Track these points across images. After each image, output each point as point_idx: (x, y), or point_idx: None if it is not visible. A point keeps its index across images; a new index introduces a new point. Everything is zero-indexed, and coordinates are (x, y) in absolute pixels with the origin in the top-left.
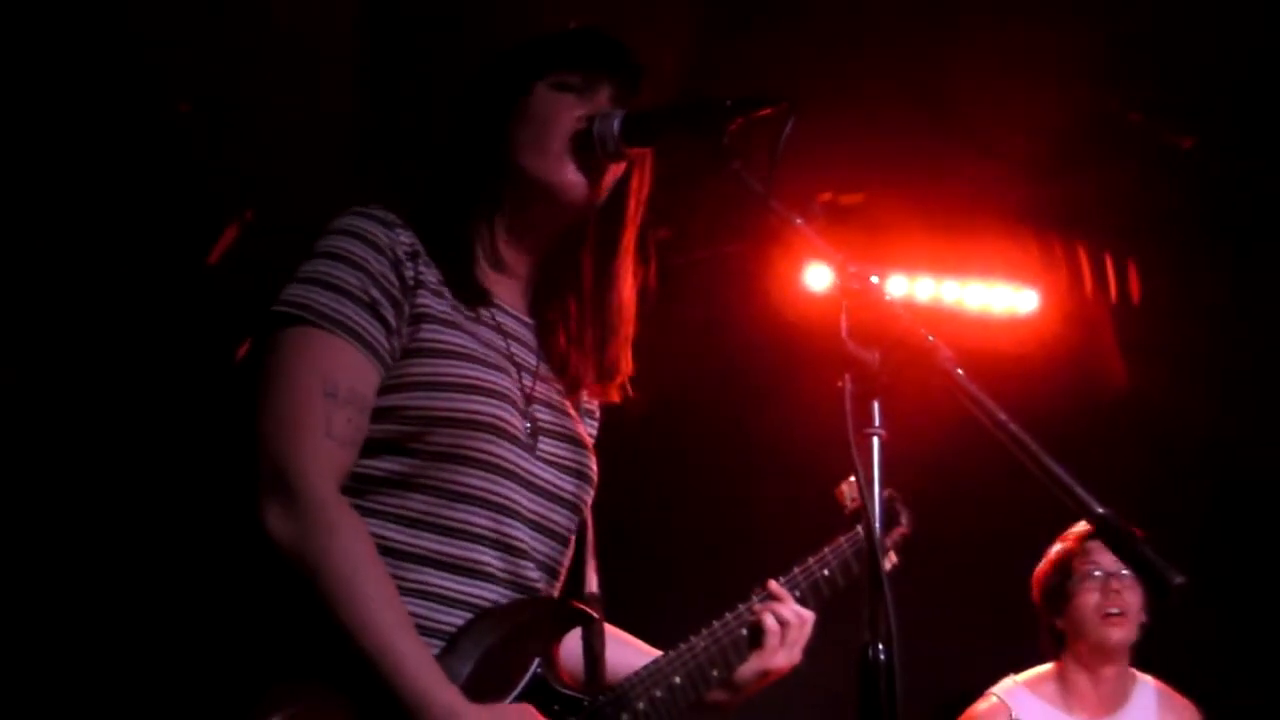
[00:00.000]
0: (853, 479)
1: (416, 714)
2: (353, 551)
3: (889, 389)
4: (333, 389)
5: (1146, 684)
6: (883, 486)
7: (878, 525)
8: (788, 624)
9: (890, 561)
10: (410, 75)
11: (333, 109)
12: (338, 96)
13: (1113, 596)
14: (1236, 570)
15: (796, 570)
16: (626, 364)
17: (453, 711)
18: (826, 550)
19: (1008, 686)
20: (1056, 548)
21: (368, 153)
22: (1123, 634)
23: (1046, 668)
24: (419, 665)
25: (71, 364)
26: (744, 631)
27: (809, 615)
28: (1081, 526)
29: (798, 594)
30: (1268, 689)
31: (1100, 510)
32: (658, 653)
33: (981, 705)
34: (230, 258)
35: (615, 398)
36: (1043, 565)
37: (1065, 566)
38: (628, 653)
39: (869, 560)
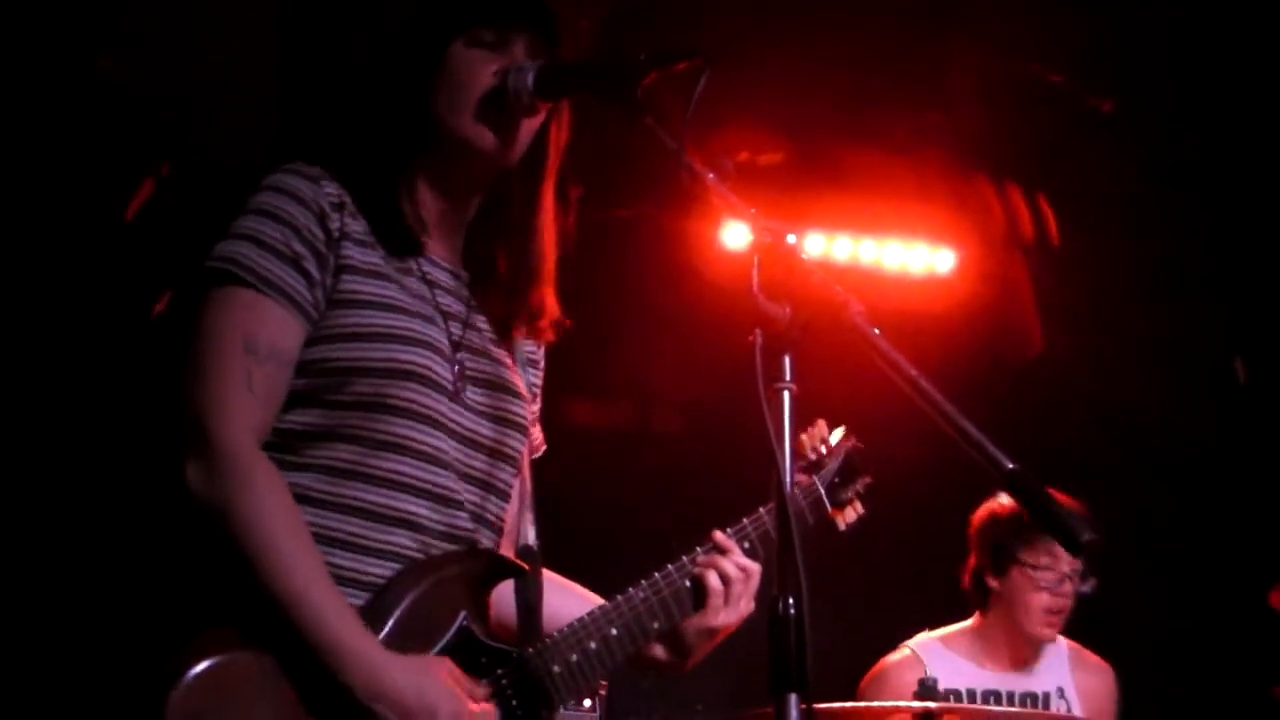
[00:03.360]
0: (811, 429)
1: (333, 662)
2: (267, 503)
3: (800, 343)
4: (253, 345)
5: (1059, 642)
6: (794, 437)
7: (788, 479)
8: (731, 580)
9: (856, 511)
10: (330, 26)
11: (251, 61)
12: (256, 50)
13: (1060, 600)
14: (1149, 529)
15: (746, 521)
16: (552, 304)
17: (370, 659)
18: (745, 522)
19: (922, 640)
20: (1008, 503)
21: (286, 105)
22: (1057, 631)
23: (963, 624)
24: (335, 614)
25: None
26: (686, 583)
27: (754, 568)
28: None
29: (747, 545)
30: (1178, 649)
31: (1010, 466)
32: (602, 601)
33: (894, 656)
34: (147, 213)
35: (551, 337)
36: (988, 516)
37: (1018, 535)
38: (570, 602)
39: (779, 516)
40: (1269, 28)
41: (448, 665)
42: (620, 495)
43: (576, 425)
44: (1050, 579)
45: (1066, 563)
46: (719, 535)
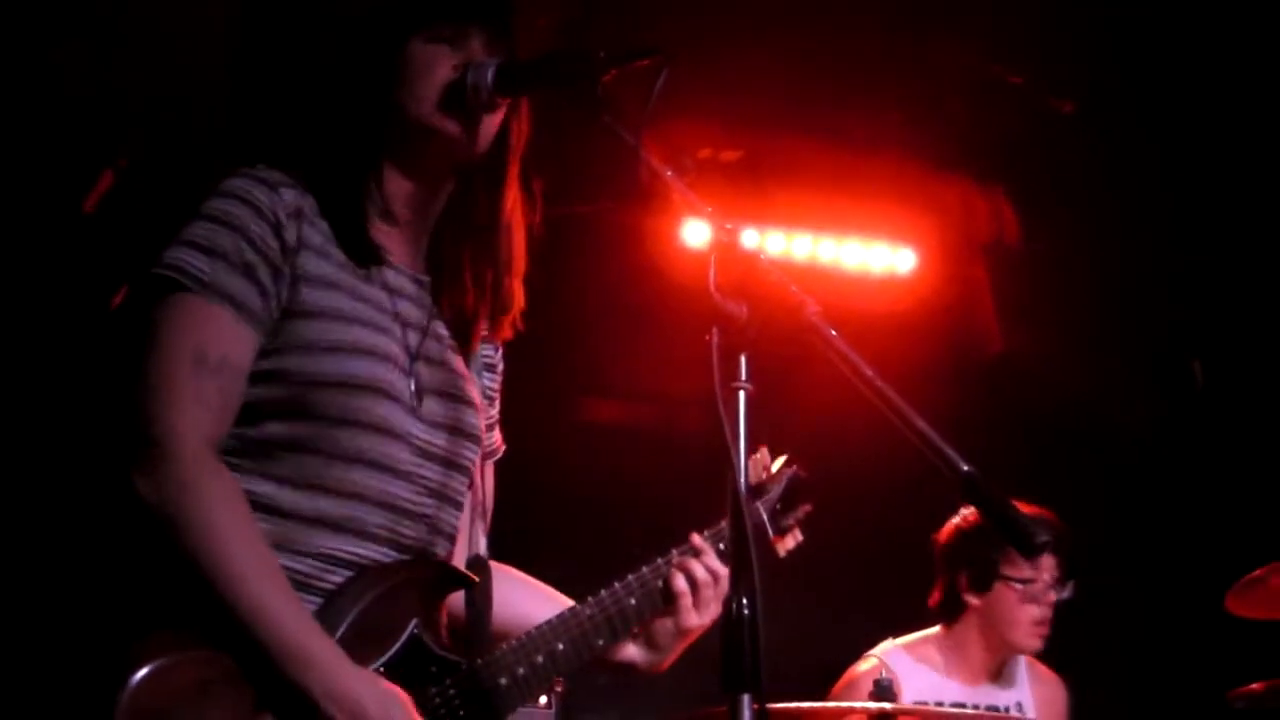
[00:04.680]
0: (757, 455)
1: (289, 664)
2: (220, 509)
3: (757, 343)
4: (202, 356)
5: (1018, 656)
6: (750, 441)
7: (741, 479)
8: (699, 583)
9: (795, 539)
10: (291, 21)
11: (212, 53)
12: (218, 41)
13: (1046, 610)
14: (1107, 530)
15: (723, 524)
16: (519, 298)
17: (328, 662)
18: (722, 524)
19: (887, 649)
20: (974, 516)
21: (247, 98)
22: (1042, 643)
23: (929, 632)
24: (292, 617)
25: None
26: (631, 601)
27: (724, 571)
28: None
29: (722, 546)
30: (1134, 651)
31: (966, 468)
32: (570, 603)
33: (861, 666)
34: (106, 204)
35: (508, 334)
36: (957, 532)
37: (998, 548)
38: (537, 604)
39: (732, 516)
40: (1230, 30)
41: (397, 694)
42: (607, 493)
43: (528, 421)
44: (1037, 590)
45: (1048, 570)
46: (695, 538)
